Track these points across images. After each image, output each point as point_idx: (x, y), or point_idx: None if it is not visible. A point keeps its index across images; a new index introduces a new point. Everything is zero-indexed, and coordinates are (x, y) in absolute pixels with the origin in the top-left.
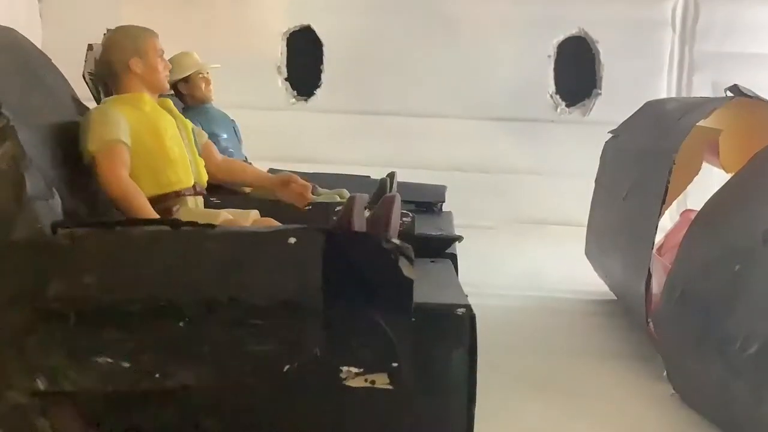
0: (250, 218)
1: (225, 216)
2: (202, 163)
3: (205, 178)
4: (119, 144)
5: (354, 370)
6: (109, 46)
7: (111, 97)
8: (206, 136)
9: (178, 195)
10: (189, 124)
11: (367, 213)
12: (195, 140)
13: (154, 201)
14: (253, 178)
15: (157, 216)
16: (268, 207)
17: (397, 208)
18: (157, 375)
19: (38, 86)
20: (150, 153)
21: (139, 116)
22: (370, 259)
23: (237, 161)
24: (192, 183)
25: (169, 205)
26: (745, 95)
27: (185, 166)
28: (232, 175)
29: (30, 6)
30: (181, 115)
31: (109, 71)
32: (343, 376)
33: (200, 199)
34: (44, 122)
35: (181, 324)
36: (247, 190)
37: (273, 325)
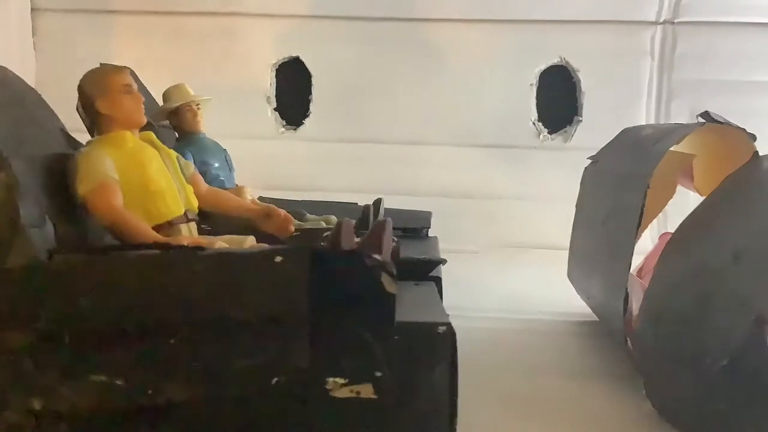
0: (246, 244)
1: (220, 244)
2: (190, 189)
3: (195, 204)
4: (107, 179)
5: (340, 381)
6: (79, 93)
7: (93, 139)
8: (193, 167)
9: (170, 225)
10: (173, 153)
11: (356, 239)
12: (181, 169)
13: None
14: (236, 209)
15: (157, 235)
16: (265, 234)
17: (388, 233)
18: (149, 391)
19: (29, 120)
20: (137, 188)
21: (121, 154)
22: (354, 275)
23: (222, 192)
24: (183, 211)
25: (163, 235)
26: (716, 121)
27: (173, 195)
28: (216, 205)
29: (24, 39)
30: (164, 146)
31: (84, 117)
32: (329, 387)
33: (193, 226)
34: (35, 154)
35: (172, 341)
36: None
37: (261, 340)
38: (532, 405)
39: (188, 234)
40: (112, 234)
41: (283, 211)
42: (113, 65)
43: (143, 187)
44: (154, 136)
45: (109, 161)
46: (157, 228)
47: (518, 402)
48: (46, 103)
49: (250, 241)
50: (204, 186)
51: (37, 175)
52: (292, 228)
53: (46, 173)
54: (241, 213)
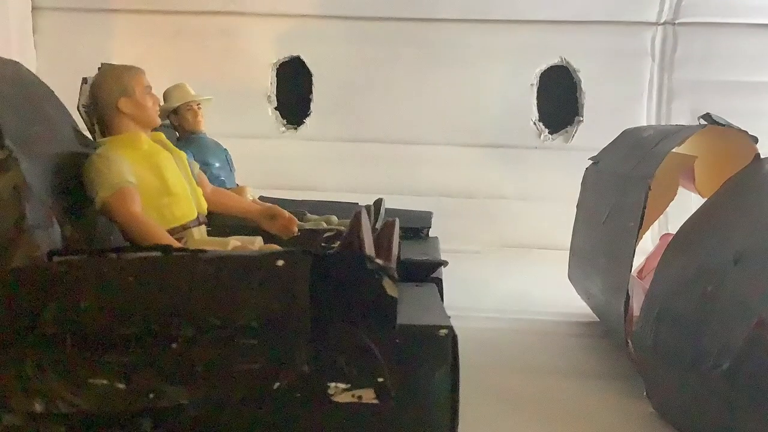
0: (255, 244)
1: (234, 243)
2: (200, 192)
3: (205, 206)
4: (127, 185)
5: (341, 386)
6: (96, 88)
7: (107, 139)
8: (197, 167)
9: (184, 228)
10: (183, 155)
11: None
12: (191, 170)
13: None
14: (240, 210)
15: (176, 243)
16: (270, 235)
17: (396, 233)
18: (151, 395)
19: (40, 117)
20: (154, 191)
21: (138, 156)
22: (355, 279)
23: (226, 192)
24: (195, 214)
25: (177, 238)
26: (718, 123)
27: (187, 198)
28: (220, 205)
29: (24, 37)
30: (175, 147)
31: (100, 114)
32: (330, 392)
33: (203, 228)
34: (46, 152)
35: (174, 345)
36: None
37: (263, 344)
38: (532, 405)
39: (199, 237)
40: (131, 240)
41: (287, 212)
42: (130, 65)
43: (160, 191)
44: (164, 136)
45: (127, 165)
46: (171, 231)
47: (518, 402)
48: (58, 99)
49: (258, 242)
50: (209, 187)
51: (46, 175)
52: (296, 229)
53: (55, 173)
54: (244, 213)
